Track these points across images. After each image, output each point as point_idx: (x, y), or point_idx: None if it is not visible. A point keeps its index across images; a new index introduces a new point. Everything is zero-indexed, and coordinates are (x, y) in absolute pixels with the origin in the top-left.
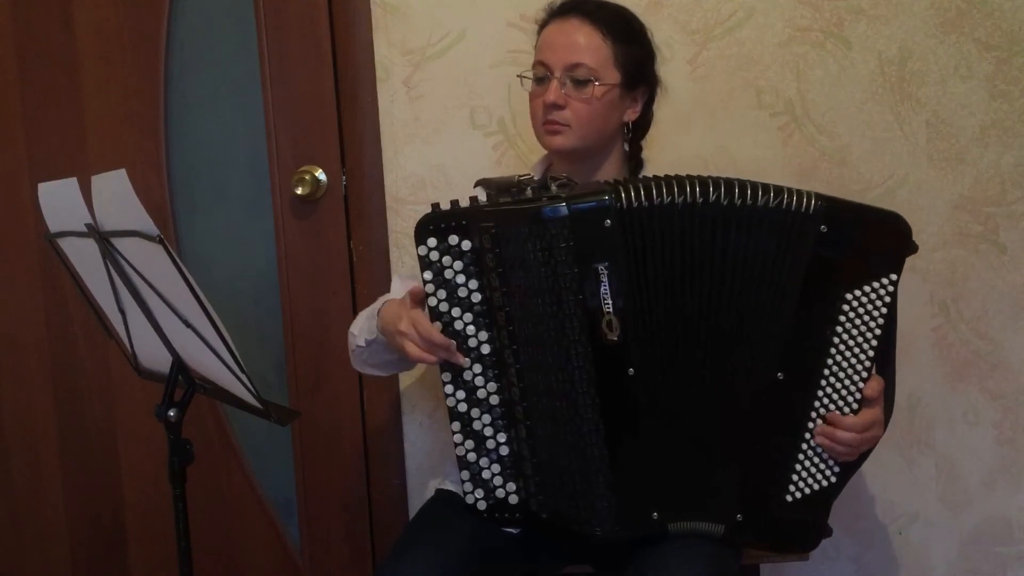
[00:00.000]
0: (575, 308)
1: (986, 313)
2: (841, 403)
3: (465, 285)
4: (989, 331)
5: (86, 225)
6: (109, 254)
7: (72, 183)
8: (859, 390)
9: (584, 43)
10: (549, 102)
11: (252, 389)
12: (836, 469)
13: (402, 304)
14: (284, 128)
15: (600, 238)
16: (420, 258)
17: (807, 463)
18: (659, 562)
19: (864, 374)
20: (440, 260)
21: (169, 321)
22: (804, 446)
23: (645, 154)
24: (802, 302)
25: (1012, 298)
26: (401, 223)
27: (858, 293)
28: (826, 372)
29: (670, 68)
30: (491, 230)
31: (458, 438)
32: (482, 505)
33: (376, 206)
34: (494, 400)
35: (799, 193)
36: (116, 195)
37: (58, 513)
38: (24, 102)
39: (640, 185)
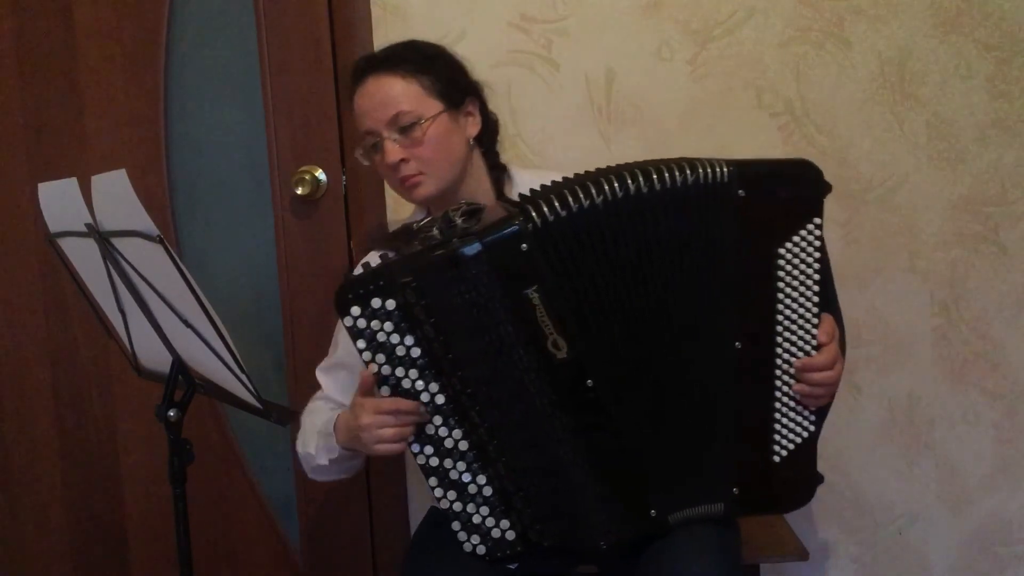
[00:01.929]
0: (517, 337)
1: (986, 313)
2: (800, 353)
3: (402, 343)
4: (989, 331)
5: (86, 225)
6: (109, 254)
7: (72, 183)
8: (814, 336)
9: (391, 93)
10: (391, 162)
11: (252, 389)
12: (812, 417)
13: (352, 408)
14: (284, 128)
15: (521, 264)
16: (348, 329)
17: (784, 419)
18: (671, 557)
19: (815, 320)
20: (369, 326)
21: (169, 321)
22: (777, 404)
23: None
24: (740, 269)
25: (1012, 298)
26: (343, 276)
27: (789, 246)
28: (779, 328)
29: (670, 68)
30: (412, 284)
31: (439, 492)
32: (481, 550)
33: (376, 206)
34: (463, 446)
35: (710, 163)
36: (116, 195)
37: (58, 513)
38: (24, 102)
39: (551, 197)
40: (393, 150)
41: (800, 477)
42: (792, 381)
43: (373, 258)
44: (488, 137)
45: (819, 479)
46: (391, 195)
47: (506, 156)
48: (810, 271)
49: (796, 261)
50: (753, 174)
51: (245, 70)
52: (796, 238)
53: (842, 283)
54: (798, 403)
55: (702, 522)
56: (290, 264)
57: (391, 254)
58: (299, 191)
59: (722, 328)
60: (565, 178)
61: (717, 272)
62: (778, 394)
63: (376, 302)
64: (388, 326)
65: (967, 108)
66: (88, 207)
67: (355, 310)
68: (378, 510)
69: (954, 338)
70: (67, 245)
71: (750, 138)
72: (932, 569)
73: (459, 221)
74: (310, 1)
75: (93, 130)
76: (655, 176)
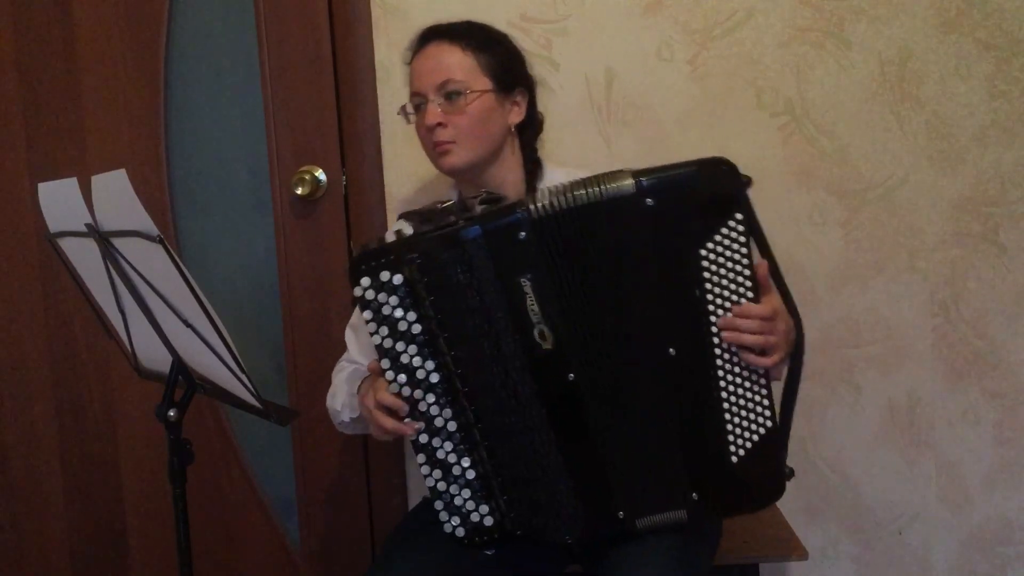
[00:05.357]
0: (506, 323)
1: (986, 313)
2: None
3: (404, 318)
4: (989, 331)
5: (86, 225)
6: (109, 254)
7: (72, 183)
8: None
9: (447, 61)
10: (430, 124)
11: (252, 389)
12: (767, 413)
13: (372, 380)
14: (284, 128)
15: (518, 252)
16: (357, 299)
17: (735, 419)
18: (628, 568)
19: None
20: (376, 297)
21: (169, 321)
22: (725, 405)
23: (542, 153)
24: (662, 275)
25: (1012, 298)
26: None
27: (711, 246)
28: (714, 330)
29: (670, 68)
30: (416, 260)
31: (425, 469)
32: (460, 532)
33: (376, 206)
34: (452, 427)
35: (615, 176)
36: (116, 195)
37: (58, 513)
38: (24, 102)
39: (547, 193)
40: (434, 113)
41: (764, 475)
42: (738, 381)
43: (399, 226)
44: (531, 132)
45: (788, 474)
46: (391, 195)
47: None
48: (738, 268)
49: (721, 260)
50: (660, 182)
51: (245, 70)
52: (718, 237)
53: (842, 283)
54: (748, 400)
55: (671, 531)
56: (290, 264)
57: (408, 230)
58: (299, 191)
59: (655, 335)
60: (567, 182)
61: (641, 280)
62: (724, 395)
63: (385, 275)
64: (393, 300)
65: (967, 108)
66: (88, 207)
67: (365, 281)
68: (378, 510)
69: (954, 338)
70: (67, 245)
71: (750, 138)
72: (932, 569)
73: (478, 208)
74: (310, 2)
75: (93, 130)
76: (582, 191)
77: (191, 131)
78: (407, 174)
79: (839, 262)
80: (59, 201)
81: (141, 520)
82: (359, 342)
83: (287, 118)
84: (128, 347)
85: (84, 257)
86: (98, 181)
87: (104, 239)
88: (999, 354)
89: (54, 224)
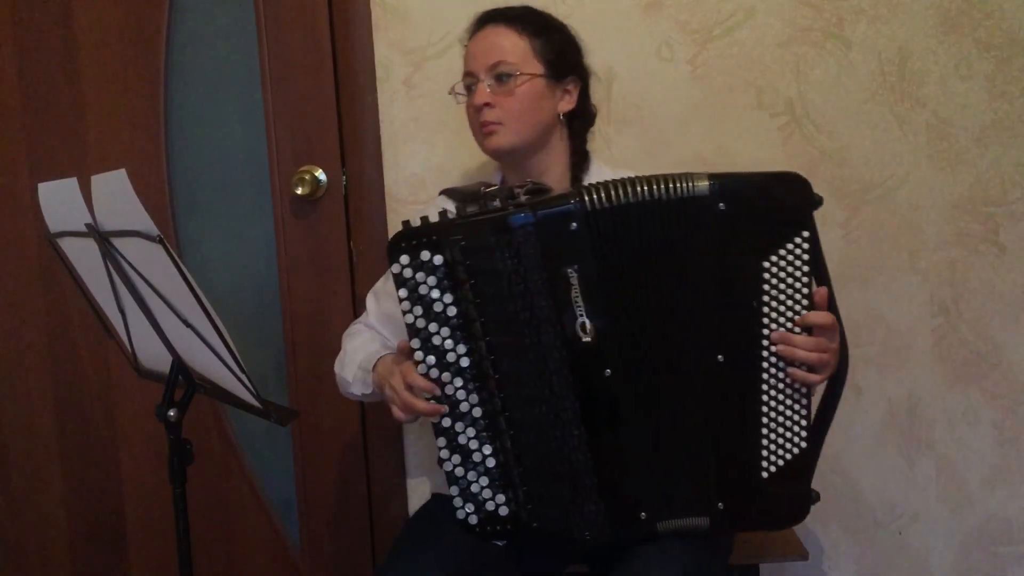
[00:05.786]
0: (548, 313)
1: (986, 313)
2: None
3: (440, 300)
4: (989, 331)
5: (86, 225)
6: (109, 254)
7: (72, 183)
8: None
9: (501, 43)
10: (478, 103)
11: (252, 389)
12: (803, 434)
13: (395, 359)
14: (284, 128)
15: (567, 242)
16: (394, 276)
17: (772, 435)
18: (633, 568)
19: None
20: (414, 276)
21: (169, 321)
22: (764, 419)
23: (591, 146)
24: (722, 281)
25: (1012, 298)
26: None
27: (775, 259)
28: (765, 343)
29: (670, 68)
30: (460, 243)
31: (444, 453)
32: (473, 519)
33: (376, 206)
34: (477, 413)
35: (690, 177)
36: (116, 195)
37: (58, 513)
38: (24, 102)
39: (602, 187)
40: (483, 93)
41: (791, 494)
42: (780, 398)
43: (440, 203)
44: (581, 123)
45: (813, 498)
46: (391, 195)
47: None
48: (797, 284)
49: (782, 275)
50: (735, 188)
51: (245, 70)
52: (782, 251)
53: (842, 283)
54: (787, 419)
55: (683, 537)
56: (290, 264)
57: (451, 211)
58: (299, 191)
59: (704, 340)
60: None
61: (699, 284)
62: (765, 408)
63: (425, 255)
64: (431, 280)
65: (967, 108)
66: (88, 207)
67: (404, 259)
68: (378, 510)
69: (954, 338)
70: (67, 245)
71: (750, 138)
72: (932, 569)
73: (522, 196)
74: (310, 2)
75: (93, 130)
76: (663, 184)
77: (191, 131)
78: (407, 174)
79: (839, 262)
80: (59, 201)
81: (141, 520)
82: (379, 309)
83: (287, 118)
84: (128, 347)
85: (84, 257)
86: (98, 181)
87: (104, 239)
88: (999, 354)
89: (54, 224)
